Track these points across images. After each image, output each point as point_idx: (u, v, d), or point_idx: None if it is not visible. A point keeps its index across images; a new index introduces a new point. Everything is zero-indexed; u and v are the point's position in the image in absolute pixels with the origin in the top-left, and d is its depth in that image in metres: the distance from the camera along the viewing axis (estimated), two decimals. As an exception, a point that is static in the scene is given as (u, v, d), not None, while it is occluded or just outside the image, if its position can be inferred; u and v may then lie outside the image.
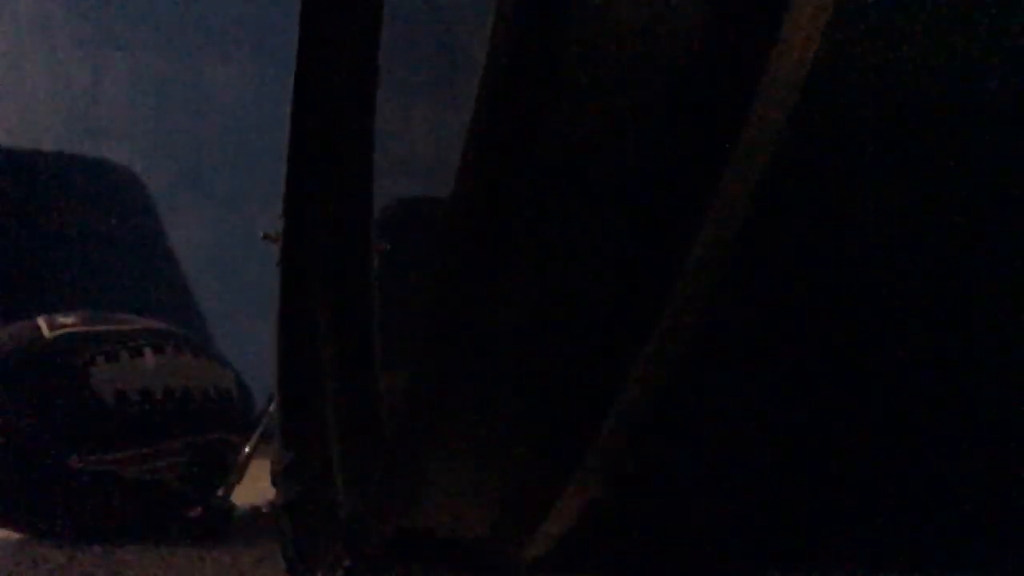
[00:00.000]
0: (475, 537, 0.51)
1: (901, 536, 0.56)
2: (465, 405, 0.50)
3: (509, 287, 0.46)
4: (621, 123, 0.45)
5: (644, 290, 0.46)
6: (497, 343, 0.48)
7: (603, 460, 0.46)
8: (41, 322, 1.17)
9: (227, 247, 1.73)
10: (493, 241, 0.45)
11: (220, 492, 1.16)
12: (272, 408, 0.91)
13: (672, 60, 0.44)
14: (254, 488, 1.12)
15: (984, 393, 0.53)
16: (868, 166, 0.47)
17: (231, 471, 1.17)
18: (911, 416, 0.53)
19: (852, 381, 0.51)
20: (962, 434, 0.54)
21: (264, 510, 1.10)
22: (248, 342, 1.30)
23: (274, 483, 0.83)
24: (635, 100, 0.45)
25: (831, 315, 0.49)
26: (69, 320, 1.17)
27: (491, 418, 0.50)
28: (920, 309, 0.50)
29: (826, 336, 0.49)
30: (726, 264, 0.45)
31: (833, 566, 0.60)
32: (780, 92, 0.41)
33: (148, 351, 1.16)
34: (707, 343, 0.47)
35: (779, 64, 0.41)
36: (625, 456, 0.46)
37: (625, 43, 0.44)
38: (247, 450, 1.17)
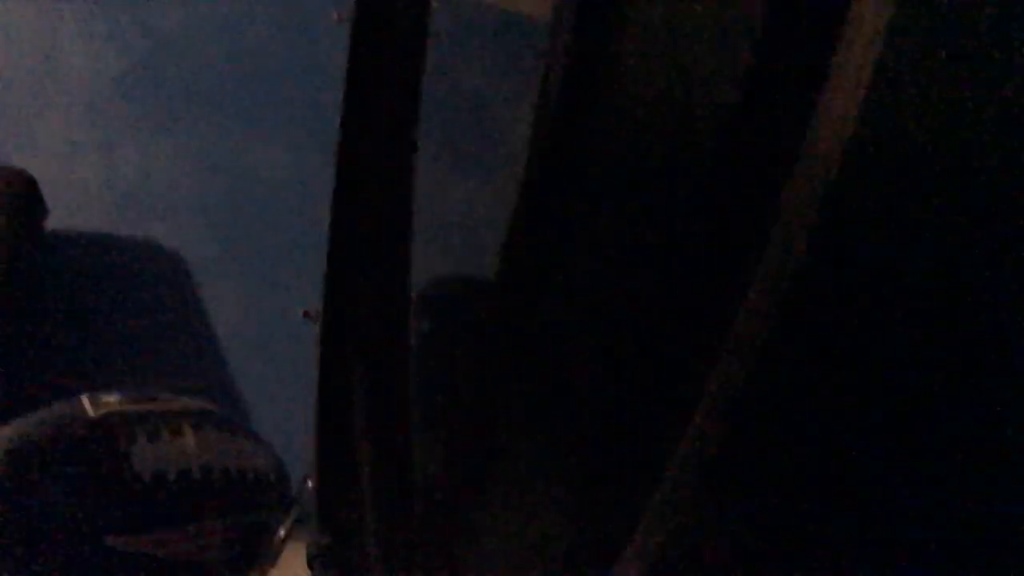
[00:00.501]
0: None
1: None
2: (500, 482, 0.49)
3: (546, 360, 0.46)
4: (662, 193, 0.45)
5: (688, 356, 0.45)
6: (533, 414, 0.48)
7: (644, 544, 0.45)
8: (85, 400, 1.18)
9: (268, 327, 1.75)
10: (530, 312, 0.45)
11: (256, 574, 1.15)
12: (308, 489, 0.90)
13: (710, 133, 0.44)
14: (288, 571, 1.10)
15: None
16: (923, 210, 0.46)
17: (266, 553, 1.16)
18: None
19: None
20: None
21: (299, 594, 1.08)
22: (286, 422, 1.30)
23: (310, 566, 0.82)
24: (676, 170, 0.45)
25: (890, 372, 0.48)
26: (113, 399, 1.18)
27: (529, 501, 0.49)
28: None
29: (886, 395, 0.48)
30: (776, 324, 0.44)
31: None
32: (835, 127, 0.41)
33: (188, 430, 1.16)
34: (758, 408, 0.45)
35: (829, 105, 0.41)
36: (686, 508, 0.45)
37: (663, 118, 0.44)
38: (282, 532, 1.16)
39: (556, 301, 0.47)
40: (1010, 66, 0.45)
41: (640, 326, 0.46)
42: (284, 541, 1.16)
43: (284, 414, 1.36)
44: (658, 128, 0.45)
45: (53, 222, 1.78)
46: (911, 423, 0.49)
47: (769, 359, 0.44)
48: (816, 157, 0.42)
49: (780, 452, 0.48)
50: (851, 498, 0.49)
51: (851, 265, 0.46)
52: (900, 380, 0.48)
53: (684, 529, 0.45)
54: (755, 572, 0.50)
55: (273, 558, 1.16)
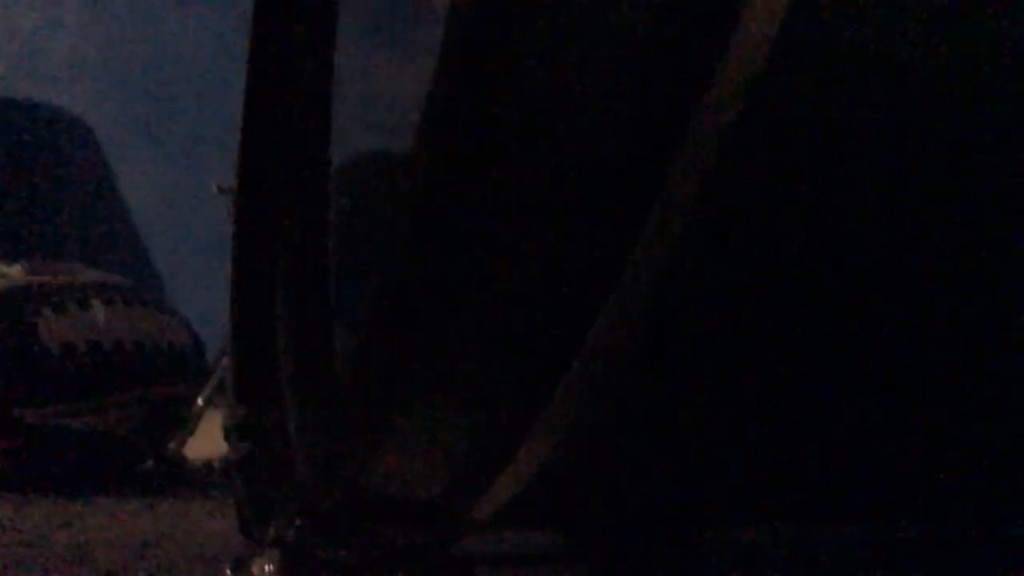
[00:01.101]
0: (428, 496, 0.51)
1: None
2: (419, 363, 0.50)
3: (467, 241, 0.46)
4: (585, 89, 0.44)
5: (602, 249, 0.46)
6: (453, 299, 0.48)
7: (556, 419, 0.47)
8: (-14, 271, 1.14)
9: (181, 198, 1.70)
10: (454, 196, 0.45)
11: (172, 445, 1.15)
12: (225, 361, 0.90)
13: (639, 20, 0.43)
14: (207, 441, 1.11)
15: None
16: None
17: (183, 424, 1.16)
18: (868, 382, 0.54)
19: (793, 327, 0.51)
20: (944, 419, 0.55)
21: (216, 464, 1.09)
22: (202, 294, 1.28)
23: (227, 438, 0.83)
24: (602, 62, 0.44)
25: (804, 278, 0.49)
26: (15, 270, 1.15)
27: (445, 377, 0.50)
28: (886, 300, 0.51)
29: (797, 308, 0.50)
30: (693, 223, 0.45)
31: (769, 526, 0.62)
32: (741, 62, 0.41)
33: (97, 303, 1.14)
34: (664, 302, 0.47)
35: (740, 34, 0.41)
36: (579, 415, 0.47)
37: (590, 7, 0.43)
38: (200, 403, 1.17)
39: (472, 187, 0.47)
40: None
41: (558, 219, 0.46)
42: (201, 413, 1.17)
43: (200, 287, 1.34)
44: (586, 21, 0.44)
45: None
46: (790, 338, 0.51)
47: (667, 279, 0.45)
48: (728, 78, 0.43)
49: (666, 377, 0.49)
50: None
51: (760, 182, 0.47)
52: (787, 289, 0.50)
53: (563, 449, 0.47)
54: (637, 482, 0.53)
55: (190, 429, 1.17)
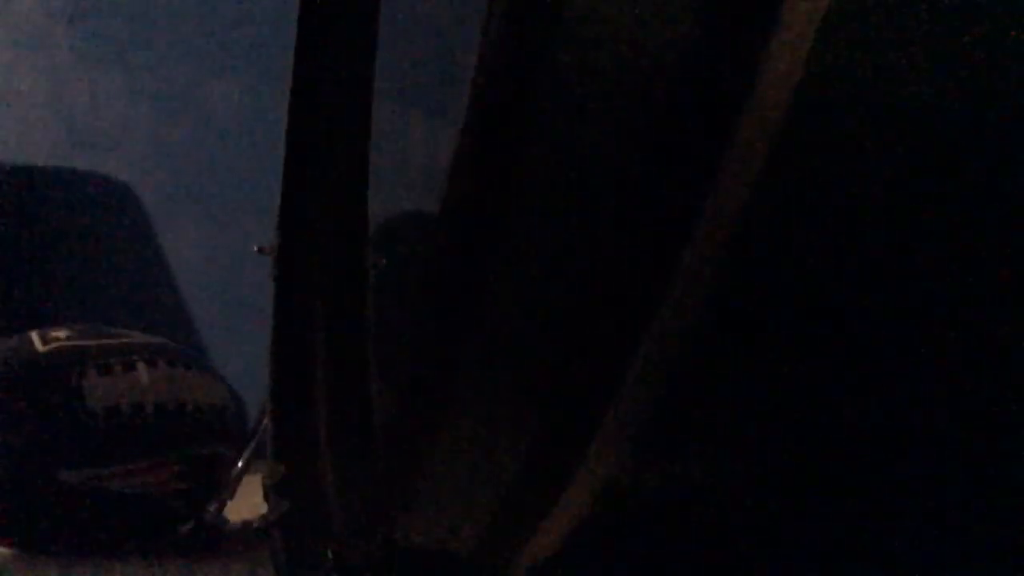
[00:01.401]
0: (465, 551, 0.50)
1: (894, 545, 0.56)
2: (457, 418, 0.50)
3: (501, 296, 0.46)
4: (613, 127, 0.45)
5: (637, 301, 0.46)
6: (490, 355, 0.48)
7: (593, 475, 0.46)
8: (34, 336, 1.16)
9: (223, 261, 1.73)
10: (484, 250, 0.45)
11: (212, 506, 1.16)
12: (265, 422, 0.90)
13: (663, 66, 0.44)
14: (247, 502, 1.11)
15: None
16: (864, 164, 0.47)
17: (224, 485, 1.16)
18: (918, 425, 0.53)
19: (856, 387, 0.50)
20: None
21: (256, 524, 1.09)
22: (243, 356, 1.29)
23: (266, 497, 0.83)
24: (626, 105, 0.45)
25: (832, 318, 0.49)
26: (62, 333, 1.17)
27: (483, 431, 0.50)
28: (920, 314, 0.50)
29: (828, 338, 0.49)
30: (723, 270, 0.45)
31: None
32: (775, 92, 0.42)
33: (141, 365, 1.15)
34: (700, 359, 0.47)
35: (772, 64, 0.41)
36: (617, 472, 0.46)
37: (615, 50, 0.44)
38: (240, 464, 1.17)
39: (507, 242, 0.47)
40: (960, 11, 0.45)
41: (591, 270, 0.46)
42: (242, 473, 1.17)
43: (241, 348, 1.35)
44: (611, 65, 0.45)
45: (2, 155, 1.74)
46: (861, 375, 0.50)
47: (717, 307, 0.45)
48: (764, 101, 0.43)
49: (725, 401, 0.49)
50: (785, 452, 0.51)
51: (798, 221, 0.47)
52: (851, 328, 0.49)
53: (601, 505, 0.46)
54: (690, 519, 0.52)
55: (231, 490, 1.17)
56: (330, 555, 0.56)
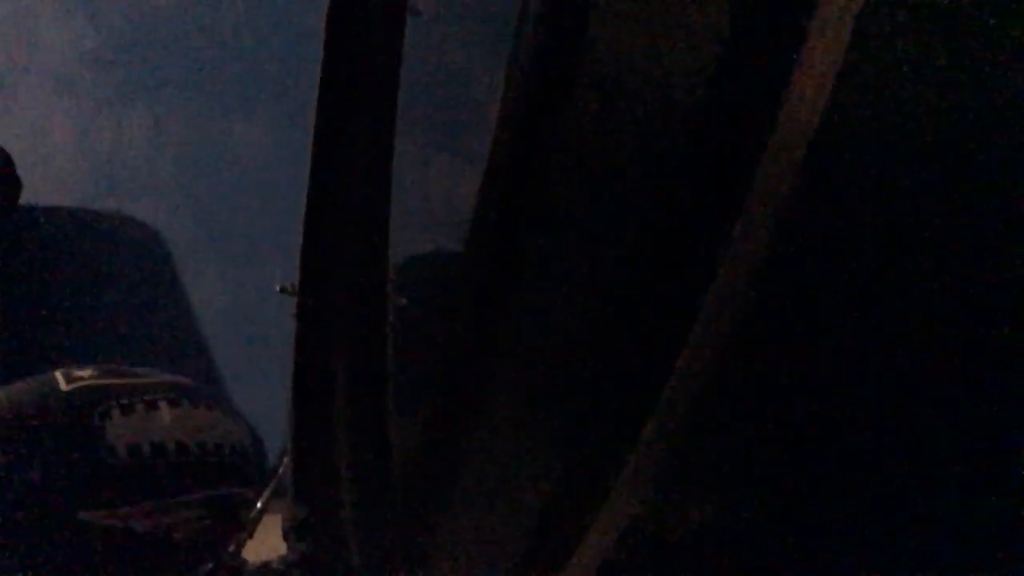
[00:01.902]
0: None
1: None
2: (479, 459, 0.50)
3: (523, 336, 0.46)
4: (630, 180, 0.45)
5: (660, 342, 0.45)
6: (511, 396, 0.48)
7: (617, 516, 0.46)
8: (58, 375, 1.17)
9: (246, 303, 1.74)
10: (500, 293, 0.45)
11: (232, 547, 1.15)
12: (286, 463, 0.90)
13: (682, 117, 0.44)
14: (267, 543, 1.10)
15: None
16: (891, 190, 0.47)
17: (243, 526, 1.16)
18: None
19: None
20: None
21: (275, 566, 1.08)
22: (264, 397, 1.29)
23: (286, 538, 0.82)
24: (644, 164, 0.45)
25: (862, 337, 0.49)
26: (86, 373, 1.18)
27: (504, 473, 0.50)
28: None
29: (863, 353, 0.49)
30: (747, 301, 0.45)
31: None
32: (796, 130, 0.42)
33: (164, 405, 1.16)
34: (720, 399, 0.46)
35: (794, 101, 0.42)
36: (639, 512, 0.46)
37: (634, 103, 0.44)
38: (259, 505, 1.17)
39: (528, 280, 0.48)
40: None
41: (609, 308, 0.47)
42: (261, 514, 1.16)
43: (262, 389, 1.35)
44: (632, 108, 0.45)
45: (27, 197, 1.77)
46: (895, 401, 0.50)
47: (738, 349, 0.45)
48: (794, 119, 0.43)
49: (752, 431, 0.49)
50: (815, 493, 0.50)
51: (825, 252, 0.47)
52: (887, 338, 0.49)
53: (650, 505, 0.46)
54: (716, 554, 0.51)
55: (250, 531, 1.16)
56: (351, 597, 0.55)
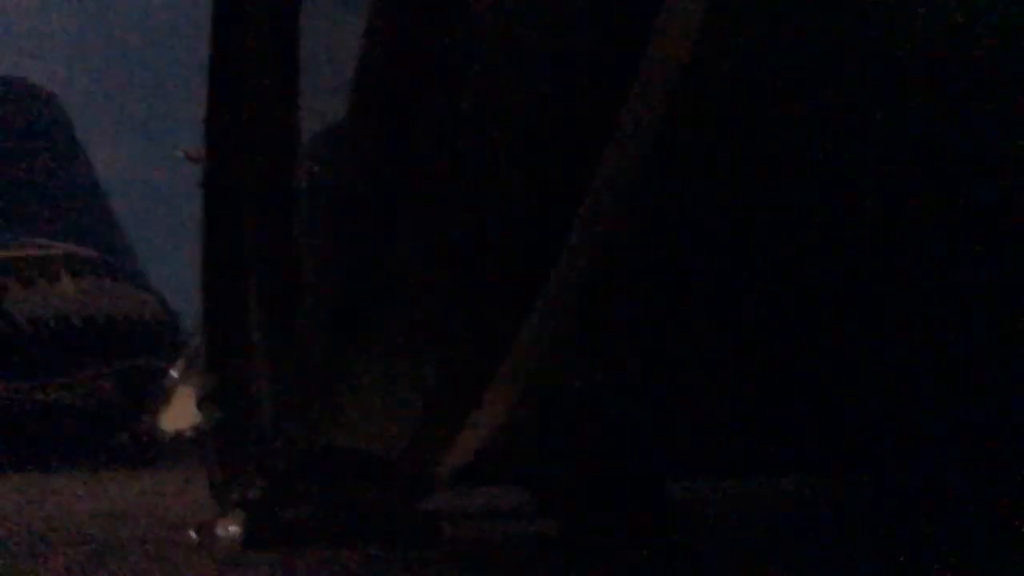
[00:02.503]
0: (390, 454, 0.51)
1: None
2: (379, 320, 0.50)
3: (422, 197, 0.45)
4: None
5: (558, 202, 0.45)
6: (411, 254, 0.48)
7: (517, 373, 0.46)
8: (-47, 247, 1.13)
9: (150, 168, 1.69)
10: (399, 156, 0.44)
11: (147, 417, 1.15)
12: (199, 333, 0.89)
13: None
14: (182, 413, 1.10)
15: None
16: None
17: (157, 397, 1.16)
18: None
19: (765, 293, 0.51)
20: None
21: (189, 435, 1.09)
22: (174, 266, 1.27)
23: (199, 407, 0.82)
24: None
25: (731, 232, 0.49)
26: (-19, 244, 1.13)
27: (405, 333, 0.50)
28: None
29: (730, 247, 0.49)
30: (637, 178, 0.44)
31: (733, 476, 0.62)
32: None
33: (67, 277, 1.13)
34: (619, 257, 0.46)
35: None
36: (539, 369, 0.46)
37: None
38: (174, 375, 1.16)
39: (426, 147, 0.46)
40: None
41: (504, 167, 0.46)
42: (176, 384, 1.16)
43: (173, 260, 1.32)
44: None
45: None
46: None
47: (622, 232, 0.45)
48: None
49: (628, 329, 0.49)
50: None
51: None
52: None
53: (525, 403, 0.47)
54: (586, 449, 0.53)
55: (165, 401, 1.16)
56: (257, 460, 0.55)
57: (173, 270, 1.29)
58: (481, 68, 0.45)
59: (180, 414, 1.11)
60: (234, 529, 0.54)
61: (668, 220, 0.46)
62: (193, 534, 0.59)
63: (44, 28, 1.71)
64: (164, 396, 1.15)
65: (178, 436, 1.15)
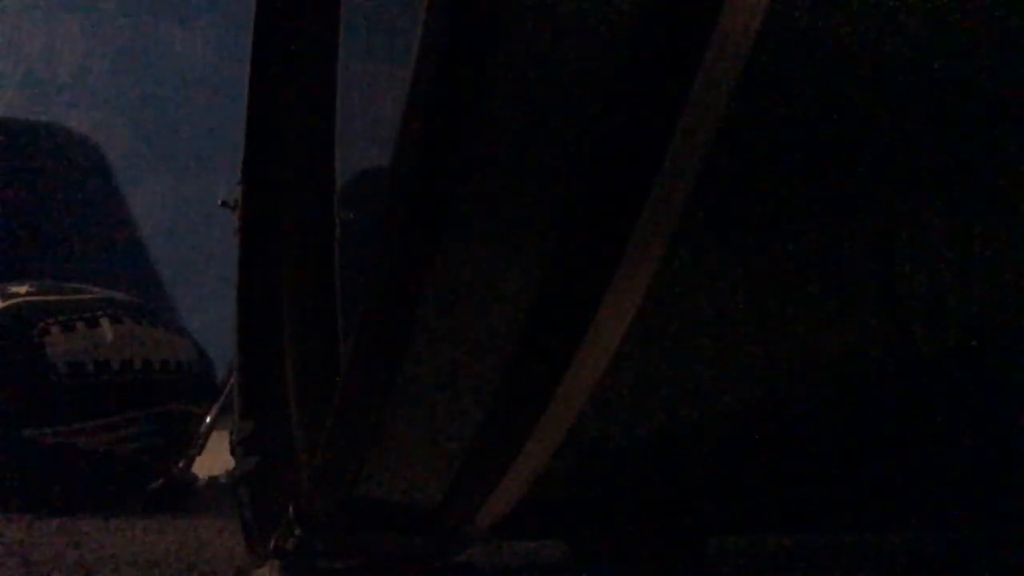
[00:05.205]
0: (428, 505, 0.50)
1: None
2: (416, 369, 0.49)
3: (458, 250, 0.45)
4: (564, 89, 0.44)
5: (592, 262, 0.45)
6: (450, 306, 0.47)
7: (557, 424, 0.46)
8: (-6, 291, 1.14)
9: (188, 215, 1.71)
10: (437, 204, 0.44)
11: (181, 463, 1.15)
12: (233, 379, 0.89)
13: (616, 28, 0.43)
14: (216, 459, 1.10)
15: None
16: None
17: (192, 442, 1.16)
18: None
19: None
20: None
21: (223, 480, 1.09)
22: (209, 312, 1.28)
23: (233, 453, 0.82)
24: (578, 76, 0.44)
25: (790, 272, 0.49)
26: (23, 289, 1.15)
27: (445, 385, 0.50)
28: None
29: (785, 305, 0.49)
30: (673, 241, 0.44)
31: (774, 532, 0.60)
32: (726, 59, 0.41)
33: (105, 321, 1.14)
34: (657, 311, 0.46)
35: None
36: (580, 421, 0.46)
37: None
38: (208, 421, 1.16)
39: (462, 194, 0.46)
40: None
41: (546, 224, 0.46)
42: (210, 429, 1.16)
43: (208, 305, 1.33)
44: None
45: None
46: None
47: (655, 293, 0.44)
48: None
49: (663, 387, 0.48)
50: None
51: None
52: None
53: (561, 458, 0.46)
54: (622, 505, 0.51)
55: (199, 446, 1.16)
56: (293, 509, 0.55)
57: (209, 315, 1.31)
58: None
59: (215, 460, 1.11)
60: (270, 579, 0.53)
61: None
62: (229, 584, 0.58)
63: (85, 77, 1.75)
64: (199, 441, 1.15)
65: (212, 482, 1.15)
